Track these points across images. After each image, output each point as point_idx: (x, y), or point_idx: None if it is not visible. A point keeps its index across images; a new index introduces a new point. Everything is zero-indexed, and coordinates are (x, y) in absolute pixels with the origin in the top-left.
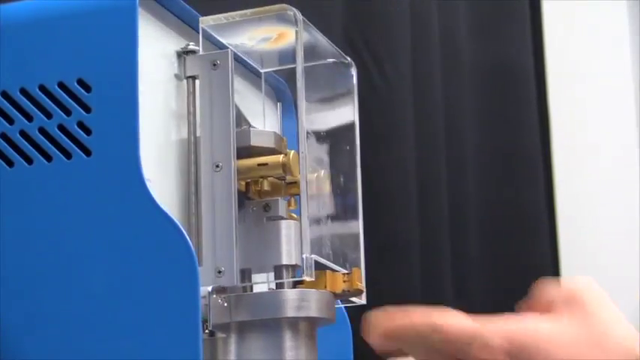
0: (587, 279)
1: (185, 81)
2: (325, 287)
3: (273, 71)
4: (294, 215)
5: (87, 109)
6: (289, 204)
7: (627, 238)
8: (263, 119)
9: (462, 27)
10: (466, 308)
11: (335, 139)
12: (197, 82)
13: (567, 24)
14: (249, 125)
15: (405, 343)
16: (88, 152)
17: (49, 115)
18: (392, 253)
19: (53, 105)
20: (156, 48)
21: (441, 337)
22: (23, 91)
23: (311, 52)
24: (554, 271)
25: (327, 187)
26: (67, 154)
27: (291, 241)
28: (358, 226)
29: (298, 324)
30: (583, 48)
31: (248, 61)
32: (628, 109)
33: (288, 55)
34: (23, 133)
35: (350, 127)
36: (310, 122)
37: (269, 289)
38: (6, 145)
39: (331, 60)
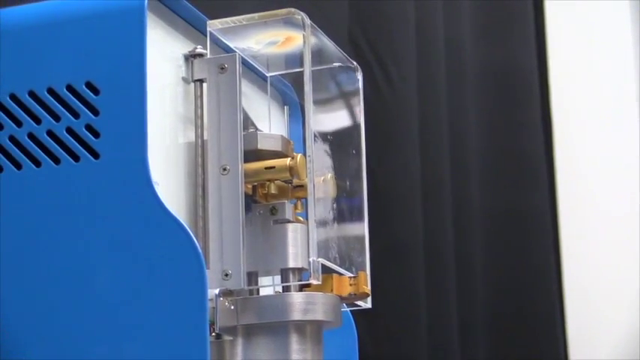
0: None
1: (192, 84)
2: (332, 291)
3: (280, 75)
4: (301, 218)
5: (95, 112)
6: (296, 207)
7: (628, 240)
8: (269, 122)
9: (466, 30)
10: (469, 310)
11: (341, 142)
12: (204, 85)
13: (570, 26)
14: (256, 128)
15: None
16: (96, 155)
17: (57, 118)
18: (396, 256)
19: (61, 108)
20: (164, 51)
21: None
22: (31, 94)
23: (317, 55)
24: (556, 273)
25: (333, 190)
26: (75, 157)
27: (298, 244)
28: (364, 229)
29: (305, 327)
30: (586, 50)
31: (254, 64)
32: (631, 111)
33: (294, 59)
34: (31, 136)
35: (355, 130)
36: (316, 125)
37: (275, 292)
38: (14, 147)
39: (337, 64)
